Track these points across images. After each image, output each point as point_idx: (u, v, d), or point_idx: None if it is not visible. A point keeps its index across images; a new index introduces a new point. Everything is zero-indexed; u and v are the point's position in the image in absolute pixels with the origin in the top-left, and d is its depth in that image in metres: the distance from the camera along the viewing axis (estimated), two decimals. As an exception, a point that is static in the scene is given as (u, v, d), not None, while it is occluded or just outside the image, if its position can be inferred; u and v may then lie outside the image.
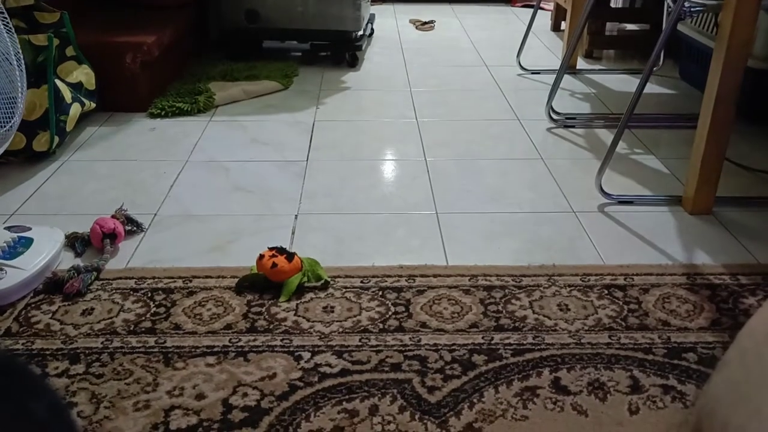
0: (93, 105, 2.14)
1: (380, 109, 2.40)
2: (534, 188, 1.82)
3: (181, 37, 2.59)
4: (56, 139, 1.93)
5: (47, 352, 1.19)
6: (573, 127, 2.23)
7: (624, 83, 2.67)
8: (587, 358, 1.19)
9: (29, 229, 1.49)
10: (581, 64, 2.89)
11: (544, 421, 1.06)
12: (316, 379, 1.14)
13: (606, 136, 2.15)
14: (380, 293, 1.36)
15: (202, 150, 2.04)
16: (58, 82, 1.94)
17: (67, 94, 1.97)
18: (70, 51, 2.05)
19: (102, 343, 1.22)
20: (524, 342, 1.23)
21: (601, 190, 1.76)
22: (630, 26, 3.24)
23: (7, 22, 1.42)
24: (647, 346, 1.22)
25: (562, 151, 2.04)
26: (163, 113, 2.28)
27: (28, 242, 1.44)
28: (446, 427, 1.04)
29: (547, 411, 1.08)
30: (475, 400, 1.09)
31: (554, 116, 2.27)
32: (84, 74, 2.10)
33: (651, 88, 2.59)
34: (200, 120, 2.26)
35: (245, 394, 1.10)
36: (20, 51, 1.46)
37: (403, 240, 1.58)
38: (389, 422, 1.05)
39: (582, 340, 1.23)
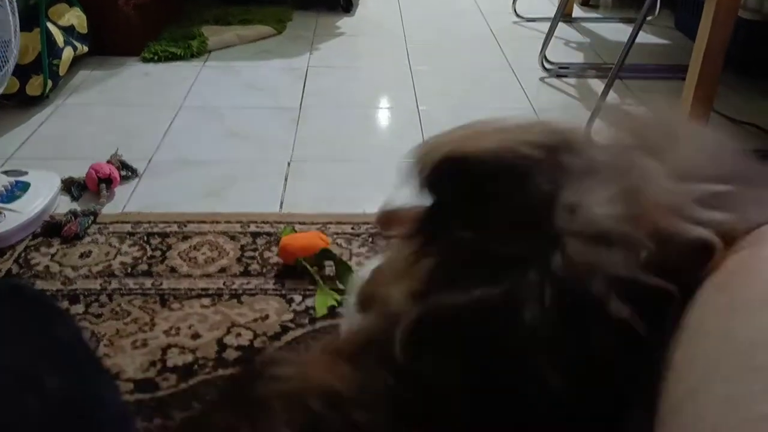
0: (85, 49, 2.13)
1: (374, 56, 2.40)
2: (524, 138, 1.85)
3: (173, -21, 2.56)
4: (49, 83, 1.93)
5: (47, 293, 1.23)
6: (566, 76, 2.24)
7: (619, 32, 2.66)
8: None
9: (26, 173, 1.51)
10: (577, 12, 2.87)
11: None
12: (306, 320, 1.18)
13: (598, 86, 2.16)
14: (371, 240, 1.40)
15: (196, 95, 2.04)
16: (50, 25, 1.93)
17: (59, 37, 1.96)
18: (61, -7, 2.03)
19: (100, 284, 1.26)
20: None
21: (590, 141, 1.78)
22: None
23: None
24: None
25: (553, 102, 2.06)
26: (156, 58, 2.27)
27: (26, 186, 1.46)
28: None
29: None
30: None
31: (547, 66, 2.28)
32: (76, 17, 2.09)
33: (646, 38, 2.59)
34: (194, 65, 2.26)
35: (239, 334, 1.15)
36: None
37: (393, 188, 1.60)
38: (376, 362, 1.10)
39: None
